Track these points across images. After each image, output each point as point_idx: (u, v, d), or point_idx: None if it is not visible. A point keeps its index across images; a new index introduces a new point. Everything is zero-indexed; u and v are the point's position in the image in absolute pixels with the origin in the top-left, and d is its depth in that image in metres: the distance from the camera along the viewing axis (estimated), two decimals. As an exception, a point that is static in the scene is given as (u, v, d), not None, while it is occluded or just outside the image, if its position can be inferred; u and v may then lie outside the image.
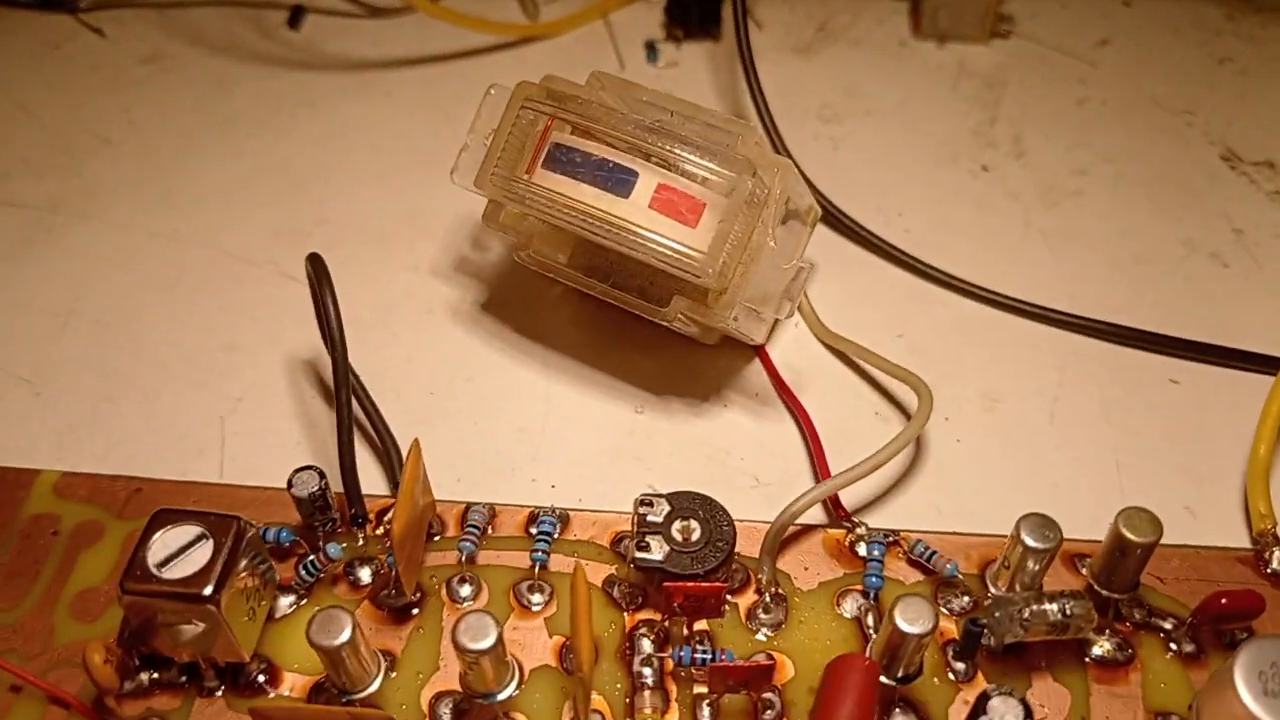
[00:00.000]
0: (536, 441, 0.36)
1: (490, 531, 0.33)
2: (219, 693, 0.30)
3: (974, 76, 0.48)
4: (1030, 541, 0.29)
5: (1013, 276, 0.40)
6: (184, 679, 0.30)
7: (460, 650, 0.26)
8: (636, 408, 0.37)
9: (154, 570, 0.28)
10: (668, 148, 0.32)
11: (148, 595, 0.27)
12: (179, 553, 0.28)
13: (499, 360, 0.38)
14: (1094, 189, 0.43)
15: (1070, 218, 0.42)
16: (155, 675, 0.30)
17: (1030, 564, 0.29)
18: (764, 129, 0.42)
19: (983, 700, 0.25)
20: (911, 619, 0.27)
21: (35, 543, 0.33)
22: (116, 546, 0.33)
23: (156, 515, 0.29)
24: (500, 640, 0.27)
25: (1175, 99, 0.47)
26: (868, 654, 0.29)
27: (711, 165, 0.31)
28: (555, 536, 0.32)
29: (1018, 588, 0.30)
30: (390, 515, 0.29)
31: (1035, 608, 0.28)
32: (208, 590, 0.27)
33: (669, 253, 0.31)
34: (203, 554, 0.28)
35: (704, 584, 0.29)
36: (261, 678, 0.30)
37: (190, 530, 0.28)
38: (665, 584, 0.29)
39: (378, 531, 0.33)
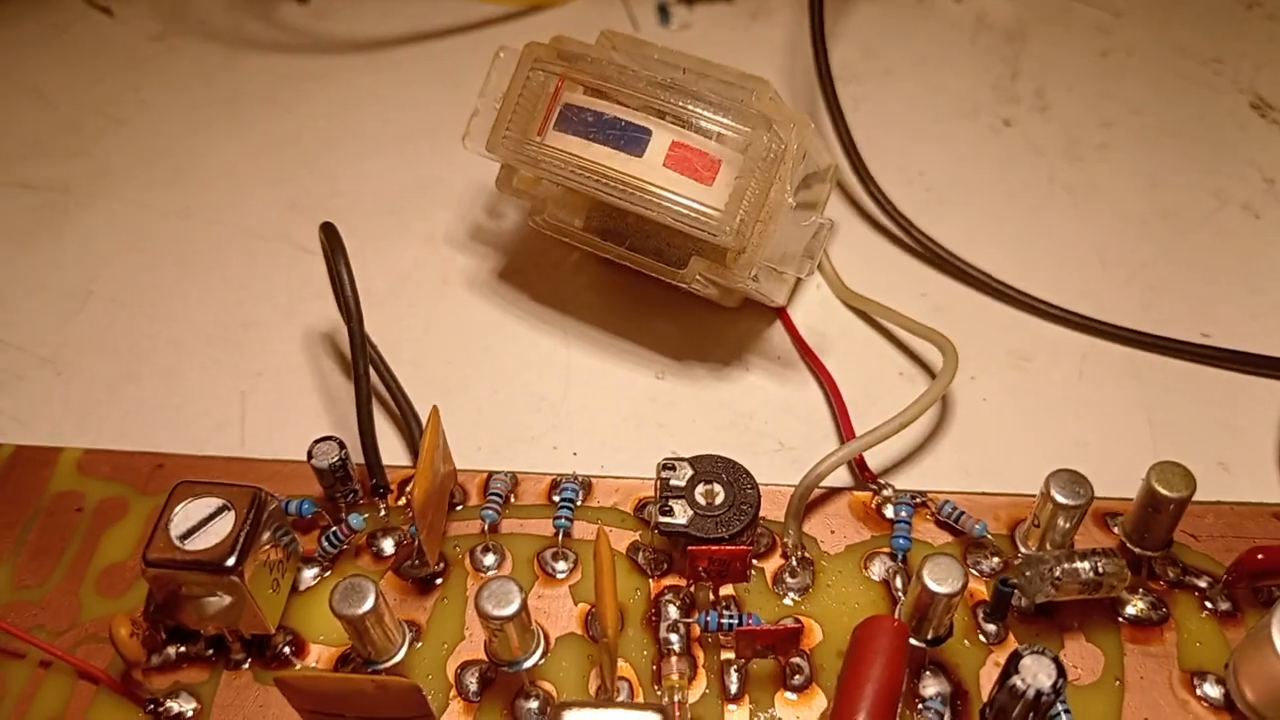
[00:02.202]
0: (557, 409, 0.35)
1: (513, 500, 0.33)
2: (245, 665, 0.30)
3: (993, 29, 0.47)
4: (1060, 498, 0.28)
5: (1038, 237, 0.39)
6: (211, 652, 0.30)
7: (484, 617, 0.26)
8: (657, 373, 0.36)
9: (176, 542, 0.27)
10: (681, 104, 0.31)
11: (171, 567, 0.27)
12: (201, 524, 0.28)
13: (517, 328, 0.38)
14: (1120, 141, 0.43)
15: (1096, 172, 0.42)
16: (182, 649, 0.30)
17: (1061, 522, 0.29)
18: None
19: (1015, 659, 0.25)
20: (940, 578, 0.26)
21: (60, 520, 0.33)
22: (140, 522, 0.33)
23: (177, 488, 0.28)
24: (524, 606, 0.26)
25: (1202, 47, 0.46)
26: (896, 616, 0.28)
27: (726, 121, 0.31)
28: (578, 503, 0.32)
29: (1048, 546, 0.29)
30: (412, 484, 0.29)
31: (1067, 566, 0.28)
32: (230, 561, 0.27)
33: (685, 211, 0.31)
34: (224, 525, 0.28)
35: (729, 547, 0.28)
36: (287, 649, 0.30)
37: (211, 502, 0.28)
38: (690, 548, 0.28)
39: (399, 502, 0.32)
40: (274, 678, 0.26)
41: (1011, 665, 0.25)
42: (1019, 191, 0.41)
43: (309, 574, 0.31)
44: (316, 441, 0.31)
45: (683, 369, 0.36)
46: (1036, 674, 0.25)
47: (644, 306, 0.38)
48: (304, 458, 0.31)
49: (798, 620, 0.29)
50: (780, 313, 0.37)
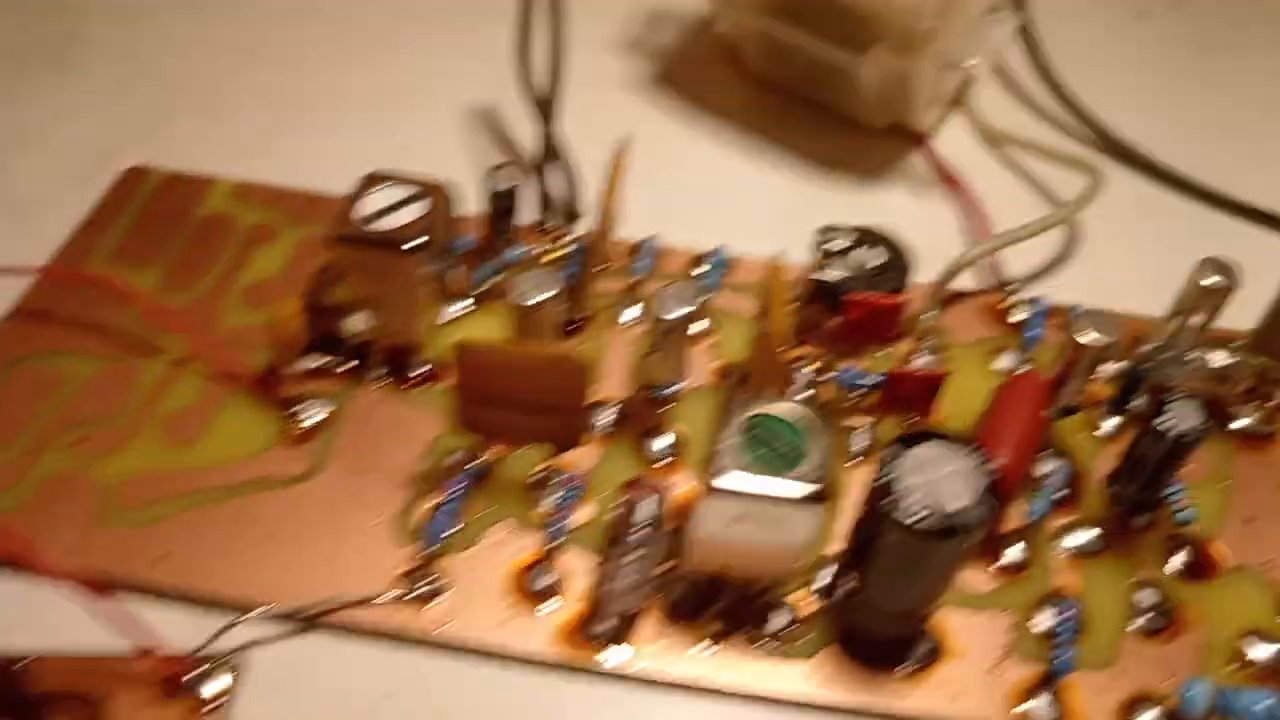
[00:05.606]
0: (704, 200, 0.37)
1: (658, 267, 0.34)
2: (383, 380, 0.31)
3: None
4: (1206, 280, 0.29)
5: (1169, 114, 0.41)
6: (353, 364, 0.31)
7: (658, 318, 0.27)
8: (803, 180, 0.38)
9: (364, 221, 0.28)
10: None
11: (358, 243, 0.28)
12: (391, 209, 0.29)
13: (668, 127, 0.39)
14: (1253, 43, 0.44)
15: (1227, 65, 0.43)
16: (324, 360, 0.31)
17: (1199, 314, 0.30)
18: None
19: (1160, 405, 0.26)
20: (1097, 327, 0.27)
21: (211, 239, 0.34)
22: (293, 246, 0.34)
23: (369, 177, 0.29)
24: (692, 316, 0.28)
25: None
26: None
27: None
28: (722, 272, 0.34)
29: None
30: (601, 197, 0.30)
31: (1199, 354, 0.29)
32: (418, 241, 0.28)
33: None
34: (416, 211, 0.29)
35: (882, 297, 0.30)
36: (428, 366, 0.31)
37: (406, 189, 0.29)
38: (845, 296, 0.30)
39: (555, 254, 0.33)
40: (459, 343, 0.27)
41: (1155, 410, 0.26)
42: (1150, 77, 0.42)
43: (453, 308, 0.32)
44: (498, 166, 0.32)
45: (826, 179, 0.38)
46: (1183, 417, 0.26)
47: (791, 124, 0.39)
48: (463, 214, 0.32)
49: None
50: (921, 140, 0.39)
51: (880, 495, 0.24)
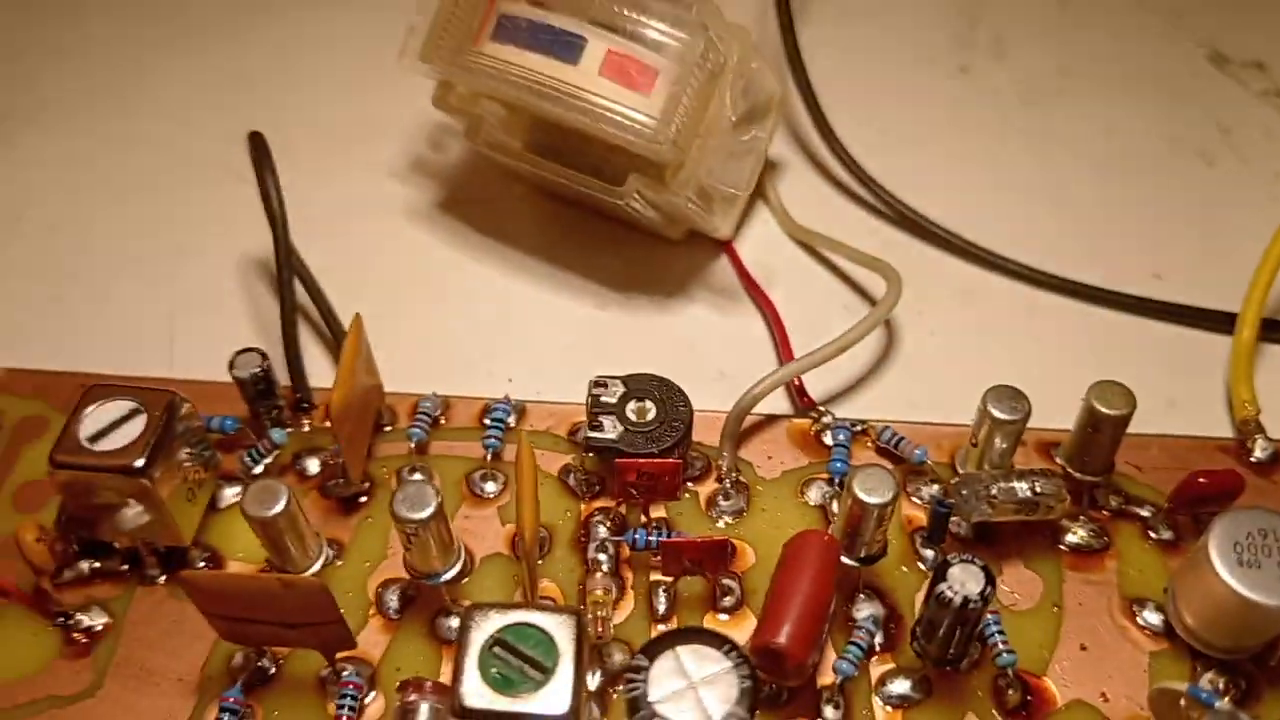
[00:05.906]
0: (494, 338, 0.35)
1: (444, 423, 0.32)
2: (160, 580, 0.29)
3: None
4: (997, 413, 0.27)
5: (991, 183, 0.39)
6: (125, 567, 0.29)
7: (399, 521, 0.25)
8: (599, 304, 0.35)
9: (85, 444, 0.27)
10: (619, 11, 0.30)
11: (79, 469, 0.26)
12: (112, 427, 0.27)
13: (457, 259, 0.37)
14: (1077, 89, 0.42)
15: (1051, 118, 0.41)
16: (96, 564, 0.29)
17: (999, 441, 0.28)
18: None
19: (943, 568, 0.24)
20: (871, 488, 0.25)
21: (-28, 434, 0.32)
22: (60, 440, 0.32)
23: (89, 391, 0.28)
24: (441, 513, 0.26)
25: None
26: (829, 532, 0.27)
27: (664, 28, 0.30)
28: (511, 425, 0.31)
29: (986, 468, 0.29)
30: (331, 391, 0.28)
31: (1003, 485, 0.27)
32: (139, 462, 0.26)
33: (619, 119, 0.30)
34: (135, 428, 0.27)
35: (658, 460, 0.28)
36: (203, 564, 0.29)
37: (123, 405, 0.27)
38: (618, 460, 0.28)
39: (326, 423, 0.31)
40: (180, 575, 0.25)
41: (939, 575, 0.24)
42: (973, 137, 0.40)
43: (230, 491, 0.30)
44: (239, 353, 0.30)
45: (625, 300, 0.36)
46: (964, 582, 0.24)
47: (588, 240, 0.37)
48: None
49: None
50: (725, 246, 0.36)
51: (633, 710, 0.22)
